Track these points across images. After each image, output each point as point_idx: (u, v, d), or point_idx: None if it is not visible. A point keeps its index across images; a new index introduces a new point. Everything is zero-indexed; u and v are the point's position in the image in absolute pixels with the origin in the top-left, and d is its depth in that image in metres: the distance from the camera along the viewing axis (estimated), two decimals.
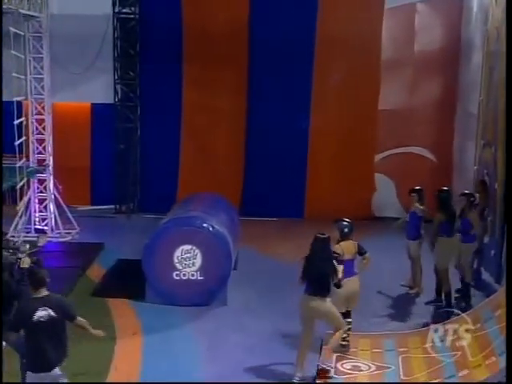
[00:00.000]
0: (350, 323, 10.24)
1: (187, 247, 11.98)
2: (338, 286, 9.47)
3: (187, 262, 11.99)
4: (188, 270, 12.02)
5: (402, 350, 10.04)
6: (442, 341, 9.77)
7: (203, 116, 18.38)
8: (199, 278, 12.02)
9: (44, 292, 7.46)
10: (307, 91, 18.08)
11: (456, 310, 10.81)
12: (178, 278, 12.02)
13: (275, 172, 18.23)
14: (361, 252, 10.27)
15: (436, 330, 9.83)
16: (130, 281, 12.79)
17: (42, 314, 7.27)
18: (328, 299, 9.25)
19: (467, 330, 9.64)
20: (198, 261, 12.00)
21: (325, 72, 17.95)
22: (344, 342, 10.17)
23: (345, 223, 10.30)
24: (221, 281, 12.04)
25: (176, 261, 12.00)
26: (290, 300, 12.24)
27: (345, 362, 9.80)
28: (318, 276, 9.18)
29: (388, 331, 10.93)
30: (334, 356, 9.94)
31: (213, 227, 12.06)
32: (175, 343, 10.63)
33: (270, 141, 18.19)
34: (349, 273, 10.11)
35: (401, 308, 12.32)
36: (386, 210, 18.07)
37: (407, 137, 18.34)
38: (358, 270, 10.30)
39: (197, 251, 11.98)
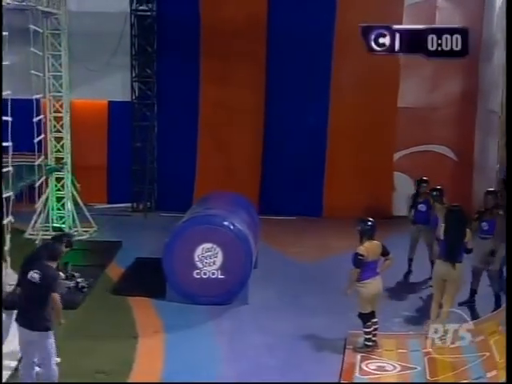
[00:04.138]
0: (375, 323, 10.12)
1: (208, 246, 11.85)
2: (469, 251, 10.53)
3: (208, 260, 11.87)
4: (209, 268, 11.89)
5: (426, 350, 9.87)
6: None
7: (221, 113, 18.24)
8: (220, 276, 11.90)
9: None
10: (326, 88, 17.93)
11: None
12: (198, 276, 11.90)
13: (293, 170, 18.12)
14: (384, 253, 10.06)
15: (436, 331, 9.65)
16: (149, 279, 12.69)
17: (33, 275, 8.27)
18: (459, 265, 10.31)
19: (468, 330, 9.47)
20: (219, 259, 11.88)
21: (343, 69, 17.76)
22: (370, 343, 10.07)
23: (369, 223, 10.03)
24: (242, 279, 11.92)
25: (196, 259, 11.88)
26: (309, 298, 12.25)
27: (369, 362, 9.68)
28: (451, 244, 10.31)
29: (413, 332, 10.76)
30: (359, 356, 9.83)
31: (234, 225, 11.94)
32: (196, 342, 10.52)
33: (289, 138, 18.07)
34: (373, 273, 9.99)
35: (427, 308, 12.09)
36: (406, 208, 17.82)
37: (427, 135, 18.13)
38: (380, 270, 10.09)
39: (217, 250, 11.86)
